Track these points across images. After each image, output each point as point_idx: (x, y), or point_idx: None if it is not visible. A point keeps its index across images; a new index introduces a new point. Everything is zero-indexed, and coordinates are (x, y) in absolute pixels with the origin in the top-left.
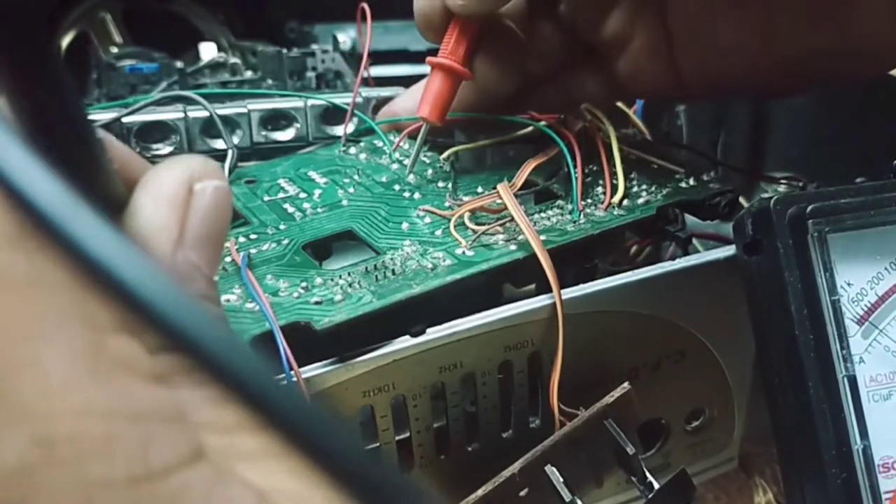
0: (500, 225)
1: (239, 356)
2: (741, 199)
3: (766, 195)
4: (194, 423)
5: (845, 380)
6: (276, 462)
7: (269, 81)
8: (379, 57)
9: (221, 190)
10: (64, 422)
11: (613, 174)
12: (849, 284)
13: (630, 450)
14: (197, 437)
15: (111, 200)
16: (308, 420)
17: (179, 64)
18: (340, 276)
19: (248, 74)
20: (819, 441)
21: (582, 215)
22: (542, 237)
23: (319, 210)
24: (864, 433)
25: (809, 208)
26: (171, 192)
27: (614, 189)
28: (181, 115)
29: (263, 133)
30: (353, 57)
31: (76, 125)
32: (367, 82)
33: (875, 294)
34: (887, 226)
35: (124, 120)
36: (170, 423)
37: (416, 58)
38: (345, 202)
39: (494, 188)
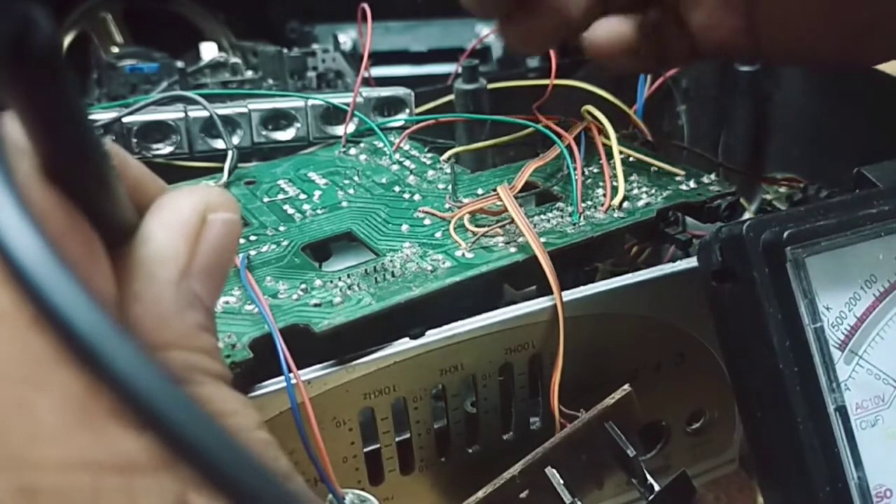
0: (500, 227)
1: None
2: (742, 201)
3: (739, 220)
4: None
5: (836, 412)
6: None
7: (270, 81)
8: (379, 57)
9: (233, 222)
10: (51, 472)
11: (613, 176)
12: (828, 309)
13: (630, 451)
14: (182, 484)
15: (118, 225)
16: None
17: (180, 64)
18: (340, 278)
19: (249, 74)
20: (812, 479)
21: (582, 217)
22: (543, 239)
23: (319, 211)
24: (858, 464)
25: (786, 234)
26: (186, 220)
27: (614, 191)
28: (181, 114)
29: (264, 133)
30: (353, 57)
31: (84, 144)
32: (367, 82)
33: (854, 316)
34: (859, 243)
35: (124, 120)
36: (157, 472)
37: (417, 58)
38: (344, 203)
39: (494, 190)
